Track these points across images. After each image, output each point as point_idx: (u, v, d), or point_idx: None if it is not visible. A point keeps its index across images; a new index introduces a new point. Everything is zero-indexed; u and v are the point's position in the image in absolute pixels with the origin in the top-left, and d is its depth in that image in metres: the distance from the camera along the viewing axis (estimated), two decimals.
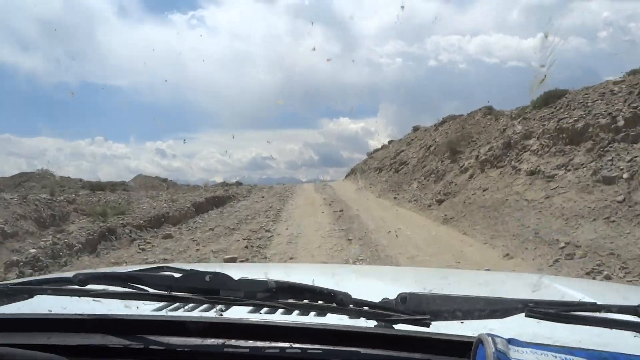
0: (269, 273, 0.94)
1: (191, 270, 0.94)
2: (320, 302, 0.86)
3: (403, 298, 0.83)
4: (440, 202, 11.25)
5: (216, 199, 15.55)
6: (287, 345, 0.82)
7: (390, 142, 25.48)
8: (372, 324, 0.87)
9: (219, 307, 0.97)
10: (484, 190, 10.03)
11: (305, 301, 0.87)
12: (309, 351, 0.80)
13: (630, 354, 0.62)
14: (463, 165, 12.42)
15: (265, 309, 0.98)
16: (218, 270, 0.91)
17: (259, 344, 0.83)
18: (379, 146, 27.02)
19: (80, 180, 21.25)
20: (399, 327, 0.84)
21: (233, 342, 0.83)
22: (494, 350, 0.58)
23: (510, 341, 0.62)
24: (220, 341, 0.84)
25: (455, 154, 13.60)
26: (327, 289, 0.86)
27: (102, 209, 10.26)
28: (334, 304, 0.84)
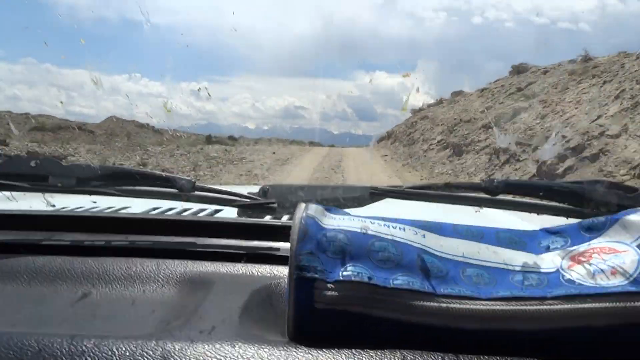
0: None
1: (15, 155, 0.82)
2: (158, 189, 0.80)
3: (265, 190, 0.79)
4: None
5: None
6: (113, 237, 0.76)
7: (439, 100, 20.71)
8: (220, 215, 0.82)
9: (47, 196, 0.88)
10: None
11: (142, 188, 0.81)
12: (137, 243, 0.75)
13: (458, 224, 0.57)
14: None
15: (101, 198, 0.92)
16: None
17: (83, 236, 0.77)
18: (430, 101, 21.29)
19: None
20: (251, 218, 0.80)
21: (55, 234, 0.77)
22: (303, 215, 0.52)
23: (331, 210, 0.57)
24: (39, 234, 0.77)
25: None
26: (167, 175, 0.79)
27: None
28: (175, 190, 0.78)
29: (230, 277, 0.63)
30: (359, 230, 0.51)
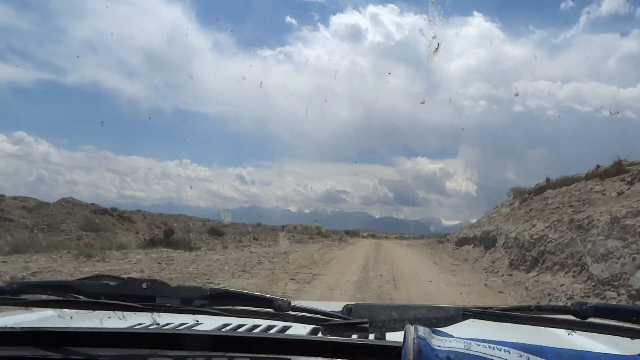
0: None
1: (128, 278, 0.93)
2: (257, 309, 0.83)
3: (349, 309, 0.80)
4: None
5: None
6: (213, 354, 0.80)
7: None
8: (314, 334, 0.86)
9: (154, 314, 0.94)
10: None
11: (241, 307, 0.84)
12: (235, 359, 0.78)
13: (559, 347, 0.59)
14: None
15: (203, 317, 0.98)
16: None
17: (185, 353, 0.81)
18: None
19: None
20: (343, 337, 0.81)
21: (158, 351, 0.82)
22: (414, 337, 0.56)
23: (435, 331, 0.60)
24: (145, 351, 0.82)
25: None
26: (264, 295, 0.83)
27: None
28: (272, 310, 0.81)
29: None
30: (464, 351, 0.54)
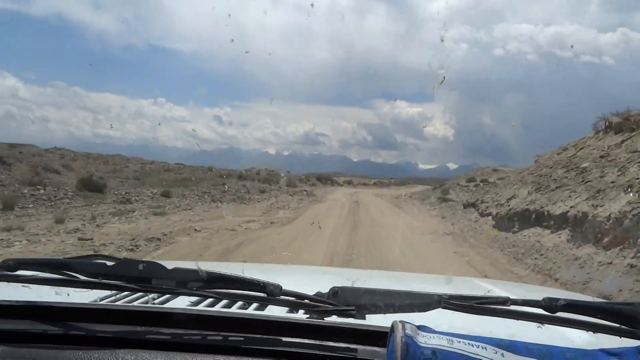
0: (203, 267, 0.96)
1: (124, 258, 0.95)
2: (250, 292, 0.88)
3: (335, 292, 0.87)
4: None
5: None
6: (208, 332, 0.85)
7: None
8: (302, 315, 0.91)
9: (150, 295, 0.99)
10: None
11: (235, 291, 0.89)
12: (230, 338, 0.84)
13: (529, 342, 0.67)
14: None
15: (197, 298, 1.01)
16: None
17: (181, 331, 0.86)
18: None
19: None
20: (328, 318, 0.88)
21: (154, 329, 0.86)
22: (402, 335, 0.63)
23: (420, 327, 0.67)
24: (142, 328, 0.87)
25: None
26: (258, 280, 0.88)
27: None
28: (264, 295, 0.87)
29: None
30: (447, 348, 0.62)
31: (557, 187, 9.45)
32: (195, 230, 10.44)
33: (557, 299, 0.81)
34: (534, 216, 9.37)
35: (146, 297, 1.04)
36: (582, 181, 8.94)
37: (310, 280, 1.72)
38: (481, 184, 25.05)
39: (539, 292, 1.75)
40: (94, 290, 0.97)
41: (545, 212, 8.90)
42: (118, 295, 1.06)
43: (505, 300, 0.83)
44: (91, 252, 7.36)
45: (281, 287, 0.86)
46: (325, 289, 0.89)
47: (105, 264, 0.93)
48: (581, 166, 9.72)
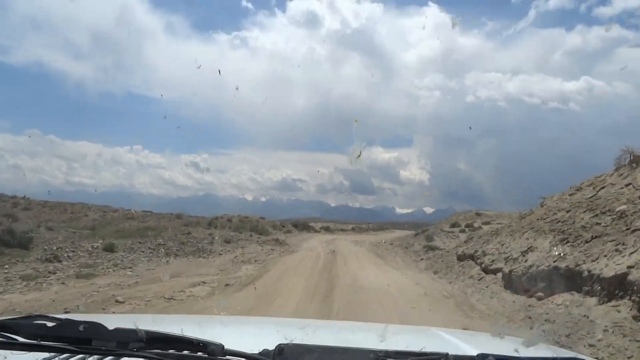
0: (139, 323, 0.95)
1: (65, 319, 0.95)
2: (189, 353, 0.89)
3: (280, 349, 0.89)
4: None
5: None
6: None
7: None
8: None
9: (91, 357, 0.96)
10: None
11: (174, 351, 0.90)
12: None
13: None
14: None
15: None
16: (95, 320, 0.94)
17: None
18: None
19: None
20: None
21: None
22: None
23: None
24: None
25: None
26: (199, 340, 0.89)
27: None
28: (206, 355, 0.88)
29: None
30: None
31: (593, 238, 7.25)
32: (117, 302, 7.88)
33: (487, 355, 0.89)
34: (566, 277, 7.08)
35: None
36: (628, 229, 6.81)
37: (254, 333, 1.71)
38: (467, 230, 23.47)
39: (474, 340, 1.69)
40: (33, 353, 0.93)
41: (585, 272, 6.64)
42: (57, 359, 1.00)
43: (440, 357, 0.88)
44: None
45: (223, 346, 0.89)
46: (269, 344, 0.91)
47: (45, 324, 0.94)
48: (617, 209, 7.61)
